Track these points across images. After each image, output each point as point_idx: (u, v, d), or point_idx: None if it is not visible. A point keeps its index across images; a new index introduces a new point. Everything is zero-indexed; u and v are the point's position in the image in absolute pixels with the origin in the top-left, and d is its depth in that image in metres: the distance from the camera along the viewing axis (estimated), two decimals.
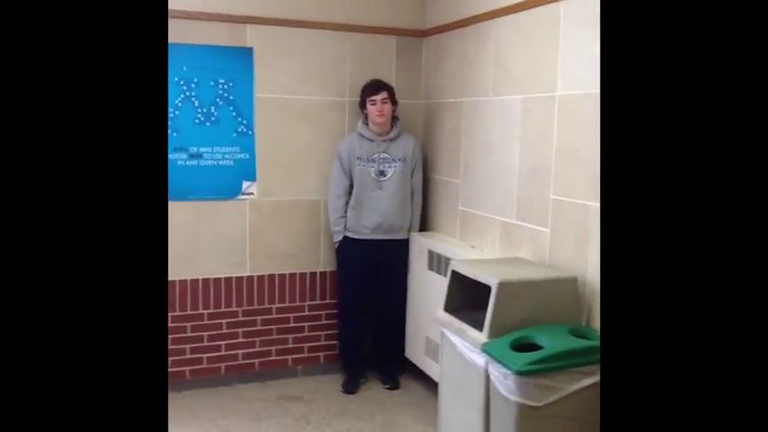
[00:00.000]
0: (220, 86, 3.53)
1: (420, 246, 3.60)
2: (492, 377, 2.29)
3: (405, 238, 3.70)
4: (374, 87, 3.55)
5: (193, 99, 3.49)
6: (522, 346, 2.28)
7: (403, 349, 3.82)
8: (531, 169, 2.89)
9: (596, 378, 2.18)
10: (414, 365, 3.73)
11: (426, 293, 3.51)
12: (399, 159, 3.61)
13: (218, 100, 3.54)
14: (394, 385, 3.75)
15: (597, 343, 2.21)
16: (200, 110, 3.51)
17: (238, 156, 3.61)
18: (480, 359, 2.38)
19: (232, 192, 3.62)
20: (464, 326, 2.54)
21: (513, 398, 2.17)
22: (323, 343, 3.91)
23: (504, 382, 2.21)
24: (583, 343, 2.26)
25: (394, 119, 3.65)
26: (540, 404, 2.16)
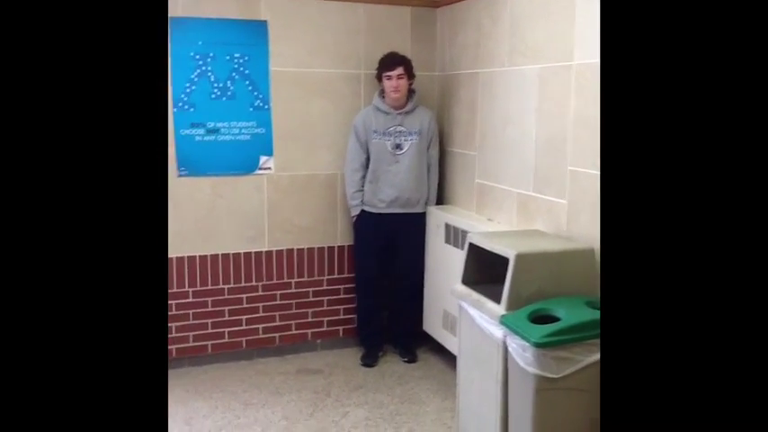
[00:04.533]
0: (236, 61, 3.52)
1: (437, 219, 3.59)
2: (510, 349, 2.29)
3: (421, 211, 3.68)
4: (390, 62, 3.51)
5: (209, 74, 3.48)
6: (540, 318, 2.27)
7: (420, 322, 3.83)
8: (547, 140, 2.86)
9: None
10: (432, 339, 3.75)
11: (443, 267, 3.51)
12: (415, 133, 3.59)
13: (233, 74, 3.53)
14: (412, 358, 3.77)
15: None
16: (216, 85, 3.51)
17: (255, 130, 3.61)
18: (498, 331, 2.38)
19: (249, 167, 3.63)
20: (482, 298, 2.54)
21: (531, 370, 2.17)
22: (342, 317, 3.93)
23: (522, 354, 2.21)
24: (600, 314, 2.25)
25: (410, 92, 3.61)
26: (558, 376, 2.16)
